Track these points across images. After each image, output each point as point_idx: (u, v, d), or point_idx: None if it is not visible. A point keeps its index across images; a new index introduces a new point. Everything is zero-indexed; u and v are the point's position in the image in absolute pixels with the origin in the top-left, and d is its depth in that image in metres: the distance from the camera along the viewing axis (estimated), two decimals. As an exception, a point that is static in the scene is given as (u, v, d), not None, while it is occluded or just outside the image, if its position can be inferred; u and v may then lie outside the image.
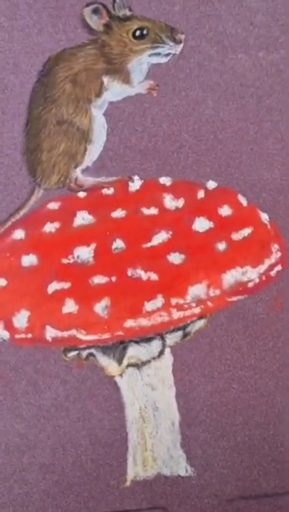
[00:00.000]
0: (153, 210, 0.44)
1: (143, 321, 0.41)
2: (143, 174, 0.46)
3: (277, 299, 0.47)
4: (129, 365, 0.44)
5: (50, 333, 0.42)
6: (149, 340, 0.44)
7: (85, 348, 0.44)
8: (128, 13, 0.46)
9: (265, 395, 0.46)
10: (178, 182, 0.46)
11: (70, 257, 0.43)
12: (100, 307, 0.42)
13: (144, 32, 0.45)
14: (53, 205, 0.46)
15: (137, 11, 0.46)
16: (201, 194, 0.45)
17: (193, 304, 0.42)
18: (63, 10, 0.46)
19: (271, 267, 0.44)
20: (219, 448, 0.45)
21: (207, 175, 0.46)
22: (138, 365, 0.44)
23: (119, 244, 0.43)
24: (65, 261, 0.43)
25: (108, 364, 0.44)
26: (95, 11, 0.45)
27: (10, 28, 0.46)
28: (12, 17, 0.46)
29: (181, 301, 0.42)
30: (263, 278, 0.43)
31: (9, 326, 0.43)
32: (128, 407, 0.45)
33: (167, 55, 0.46)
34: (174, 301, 0.42)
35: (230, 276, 0.43)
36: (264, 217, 0.46)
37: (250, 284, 0.43)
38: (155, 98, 0.46)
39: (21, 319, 0.42)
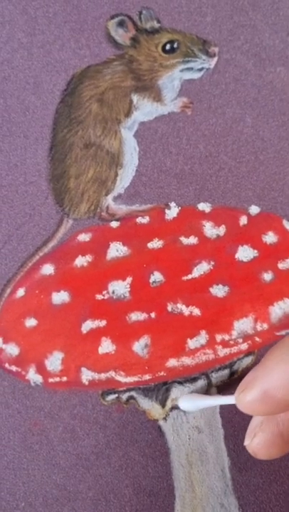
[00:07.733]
0: (192, 240, 0.42)
1: (186, 360, 0.40)
2: (180, 200, 0.44)
3: None
4: (173, 408, 0.42)
5: (87, 375, 0.40)
6: (193, 380, 0.42)
7: (124, 391, 0.42)
8: (156, 25, 0.43)
9: None
10: (218, 208, 0.44)
11: (104, 292, 0.41)
12: (139, 346, 0.40)
13: (175, 45, 0.43)
14: (84, 237, 0.43)
15: (166, 22, 0.43)
16: (243, 220, 0.43)
17: (240, 340, 0.40)
18: (86, 23, 0.43)
19: None
20: (273, 494, 0.42)
21: (249, 199, 0.44)
22: (183, 408, 0.42)
23: (157, 277, 0.41)
24: (99, 297, 0.41)
25: (150, 407, 0.42)
26: (121, 24, 0.43)
27: (29, 45, 0.43)
28: (31, 32, 0.43)
29: (226, 337, 0.40)
30: (314, 309, 0.41)
31: (42, 370, 0.41)
32: (173, 452, 0.42)
33: (200, 69, 0.43)
34: (219, 337, 0.40)
35: (278, 309, 0.41)
36: (312, 243, 0.44)
37: (300, 317, 0.41)
38: (190, 117, 0.44)
39: (55, 362, 0.40)
